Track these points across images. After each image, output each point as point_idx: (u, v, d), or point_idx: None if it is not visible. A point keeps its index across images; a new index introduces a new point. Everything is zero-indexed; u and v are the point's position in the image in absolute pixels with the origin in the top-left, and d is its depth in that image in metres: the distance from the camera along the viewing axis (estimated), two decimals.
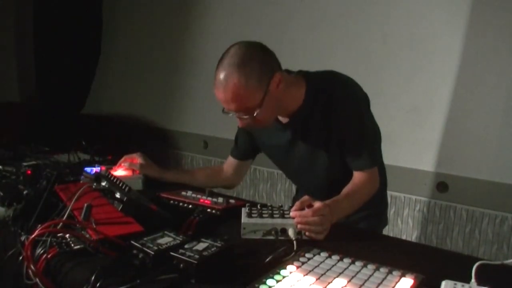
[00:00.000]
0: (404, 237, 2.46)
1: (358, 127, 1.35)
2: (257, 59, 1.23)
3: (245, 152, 1.64)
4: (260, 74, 1.22)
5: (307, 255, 0.95)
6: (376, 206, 1.54)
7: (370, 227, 1.54)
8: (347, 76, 1.39)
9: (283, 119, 1.42)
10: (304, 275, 0.86)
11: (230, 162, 1.68)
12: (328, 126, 1.36)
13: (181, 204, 1.35)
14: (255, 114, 1.25)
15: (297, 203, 1.16)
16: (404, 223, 2.49)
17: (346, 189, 1.33)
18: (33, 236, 0.96)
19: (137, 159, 1.61)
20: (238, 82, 1.20)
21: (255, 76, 1.21)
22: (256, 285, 0.81)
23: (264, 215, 1.17)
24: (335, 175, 1.44)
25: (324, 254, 0.96)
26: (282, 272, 0.87)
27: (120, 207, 1.13)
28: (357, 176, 1.37)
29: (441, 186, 2.35)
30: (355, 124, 1.35)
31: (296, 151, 1.45)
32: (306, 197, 1.19)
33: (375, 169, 1.38)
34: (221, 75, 1.21)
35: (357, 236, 1.26)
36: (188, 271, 0.87)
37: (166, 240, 0.97)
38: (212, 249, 0.92)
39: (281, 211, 1.19)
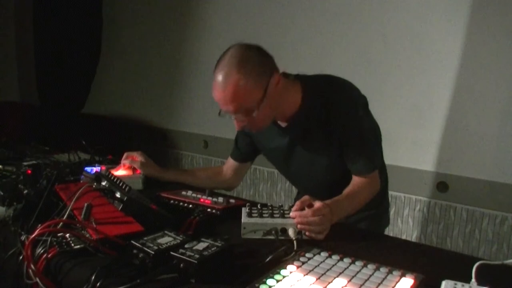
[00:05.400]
0: (404, 237, 2.46)
1: (357, 132, 1.35)
2: (256, 60, 1.23)
3: (245, 154, 1.64)
4: (258, 74, 1.22)
5: (307, 255, 0.95)
6: (377, 206, 1.54)
7: (371, 227, 1.54)
8: (344, 80, 1.38)
9: (282, 123, 1.42)
10: (304, 275, 0.86)
11: (229, 164, 1.68)
12: (326, 131, 1.35)
13: (181, 203, 1.35)
14: (253, 115, 1.25)
15: (298, 203, 1.16)
16: (404, 223, 2.49)
17: (346, 190, 1.32)
18: (33, 235, 0.96)
19: (138, 157, 1.60)
20: (237, 82, 1.20)
21: (254, 76, 1.21)
22: (256, 285, 0.81)
23: (264, 215, 1.17)
24: (334, 178, 1.44)
25: (324, 254, 0.96)
26: (282, 272, 0.87)
27: (120, 207, 1.13)
28: (357, 179, 1.36)
29: (441, 186, 2.35)
30: (353, 128, 1.34)
31: (295, 155, 1.45)
32: (306, 197, 1.18)
33: (375, 173, 1.38)
34: (220, 76, 1.21)
35: (357, 236, 1.26)
36: (188, 271, 0.87)
37: (166, 240, 0.97)
38: (212, 249, 0.92)
39: (281, 211, 1.19)
